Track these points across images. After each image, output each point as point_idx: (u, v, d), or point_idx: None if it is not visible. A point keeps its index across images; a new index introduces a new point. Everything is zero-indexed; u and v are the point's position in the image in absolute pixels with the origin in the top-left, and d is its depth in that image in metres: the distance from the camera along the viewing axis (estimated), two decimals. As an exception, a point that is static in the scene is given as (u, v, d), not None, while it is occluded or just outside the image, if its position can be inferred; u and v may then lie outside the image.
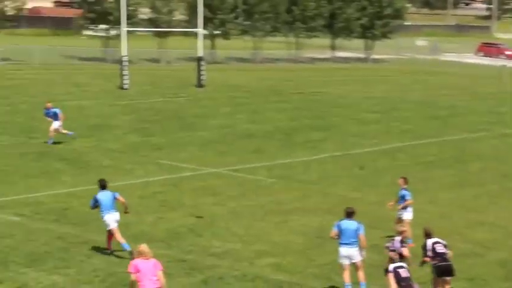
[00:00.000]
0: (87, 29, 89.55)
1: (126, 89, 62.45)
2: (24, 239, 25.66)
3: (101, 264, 23.82)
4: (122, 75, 63.09)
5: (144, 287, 18.14)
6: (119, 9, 68.22)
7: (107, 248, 24.74)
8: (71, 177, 34.05)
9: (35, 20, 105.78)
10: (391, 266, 19.21)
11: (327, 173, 36.92)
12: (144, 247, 18.55)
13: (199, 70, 67.76)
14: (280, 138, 45.35)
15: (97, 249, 25.04)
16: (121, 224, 27.23)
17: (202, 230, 27.51)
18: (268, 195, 32.34)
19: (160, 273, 18.42)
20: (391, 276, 18.90)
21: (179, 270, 23.52)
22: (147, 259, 18.42)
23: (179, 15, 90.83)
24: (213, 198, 31.72)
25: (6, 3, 76.39)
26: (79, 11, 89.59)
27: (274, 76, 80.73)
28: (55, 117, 40.20)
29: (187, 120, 50.15)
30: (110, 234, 24.63)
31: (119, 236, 24.30)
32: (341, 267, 21.65)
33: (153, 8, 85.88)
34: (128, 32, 66.39)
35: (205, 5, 72.77)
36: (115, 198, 24.62)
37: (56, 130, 40.24)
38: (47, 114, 40.64)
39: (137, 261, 18.39)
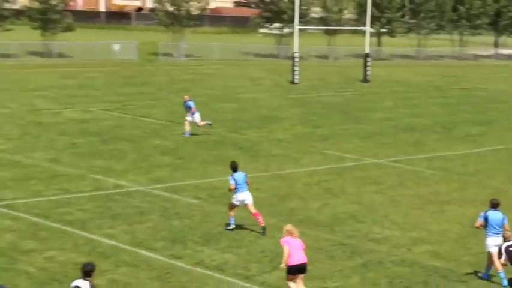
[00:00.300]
0: (263, 27, 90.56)
1: (296, 83, 62.97)
2: (201, 220, 26.33)
3: (269, 246, 24.16)
4: (293, 71, 63.70)
5: (293, 260, 19.22)
6: (292, 9, 69.57)
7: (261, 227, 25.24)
8: (243, 164, 34.37)
9: (216, 19, 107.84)
10: (504, 245, 19.72)
11: (485, 166, 36.19)
12: (291, 227, 19.64)
13: (365, 66, 67.60)
14: (440, 131, 44.76)
15: (267, 230, 25.39)
16: (287, 210, 27.75)
17: (363, 216, 27.54)
18: (427, 186, 32.02)
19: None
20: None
21: (341, 254, 23.71)
22: (295, 237, 19.46)
23: (348, 14, 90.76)
24: (373, 187, 31.67)
25: (191, 3, 78.21)
26: (256, 11, 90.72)
27: (436, 72, 79.60)
28: (188, 109, 39.69)
29: (352, 113, 50.13)
30: (255, 213, 25.20)
31: (231, 209, 25.24)
32: (490, 256, 21.42)
33: (324, 7, 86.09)
34: (300, 30, 67.26)
35: (373, 4, 72.69)
36: (246, 180, 25.11)
37: (193, 123, 39.73)
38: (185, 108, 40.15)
39: (287, 238, 19.41)
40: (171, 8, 77.65)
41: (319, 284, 21.43)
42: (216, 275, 21.76)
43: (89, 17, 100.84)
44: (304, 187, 31.12)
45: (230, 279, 21.56)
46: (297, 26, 65.51)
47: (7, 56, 67.70)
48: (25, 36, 72.08)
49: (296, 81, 63.22)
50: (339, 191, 30.91)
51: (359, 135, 42.66)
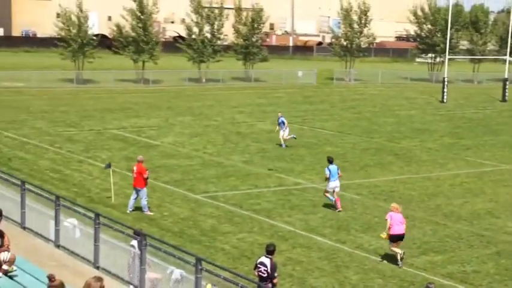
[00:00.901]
0: (419, 57, 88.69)
1: (444, 102, 61.07)
2: (361, 212, 25.94)
3: (418, 235, 23.49)
4: (442, 92, 61.96)
5: (393, 230, 20.32)
6: (444, 42, 68.86)
7: (336, 208, 25.58)
8: (398, 168, 33.87)
9: (381, 50, 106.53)
10: None
11: None
12: (396, 204, 20.92)
13: (504, 88, 64.81)
14: None
15: (416, 223, 24.67)
16: (434, 206, 26.82)
17: (499, 213, 26.30)
18: (555, 189, 30.10)
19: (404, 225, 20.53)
20: None
21: (478, 243, 22.76)
22: (398, 212, 20.49)
23: (491, 46, 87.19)
24: (509, 188, 30.14)
25: (361, 39, 77.77)
26: (414, 44, 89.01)
27: None
28: (282, 125, 37.45)
29: (492, 127, 48.00)
30: (337, 198, 25.76)
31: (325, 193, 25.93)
32: None
33: (471, 41, 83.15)
34: (450, 59, 66.22)
35: (512, 37, 69.33)
36: (338, 172, 25.78)
37: (283, 136, 37.47)
38: (278, 123, 37.89)
39: (391, 213, 20.47)
40: (345, 43, 77.39)
41: (459, 267, 20.65)
42: (372, 257, 21.32)
43: (280, 50, 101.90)
44: (449, 187, 30.06)
45: (384, 261, 21.05)
46: (447, 56, 65.19)
47: (217, 80, 69.37)
48: (230, 65, 73.65)
49: (445, 100, 61.37)
50: (478, 191, 29.68)
51: (497, 145, 40.77)
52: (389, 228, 20.33)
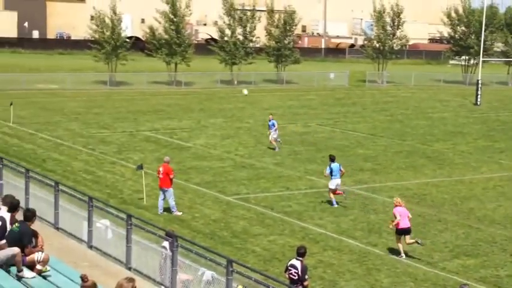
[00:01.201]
0: (452, 59, 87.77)
1: (478, 105, 60.43)
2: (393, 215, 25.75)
3: (450, 238, 23.38)
4: (476, 94, 61.31)
5: (400, 224, 21.24)
6: (478, 44, 68.05)
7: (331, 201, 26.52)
8: (431, 171, 33.63)
9: (413, 52, 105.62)
10: None
11: None
12: (399, 199, 22.17)
13: (539, 91, 64.06)
14: None
15: (449, 226, 24.51)
16: (467, 209, 26.56)
17: (533, 216, 25.97)
18: None
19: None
20: None
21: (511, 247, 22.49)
22: (402, 207, 21.58)
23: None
24: (543, 192, 29.83)
25: (394, 41, 77.26)
26: (447, 46, 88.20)
27: None
28: (271, 127, 36.62)
29: (527, 130, 47.49)
30: (333, 192, 26.60)
31: (332, 193, 26.65)
32: None
33: (505, 43, 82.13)
34: (484, 61, 65.87)
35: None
36: (340, 169, 26.72)
37: (274, 139, 36.73)
38: (269, 125, 36.95)
39: (398, 208, 21.53)
40: (377, 45, 76.97)
41: (492, 272, 20.48)
42: (404, 260, 21.23)
43: (312, 53, 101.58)
44: (482, 191, 29.79)
45: (416, 264, 20.93)
46: (481, 58, 64.86)
47: (249, 82, 69.41)
48: (262, 67, 73.72)
49: (478, 103, 60.72)
50: (512, 194, 29.32)
51: (531, 148, 40.26)
52: (397, 223, 21.30)
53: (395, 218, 21.37)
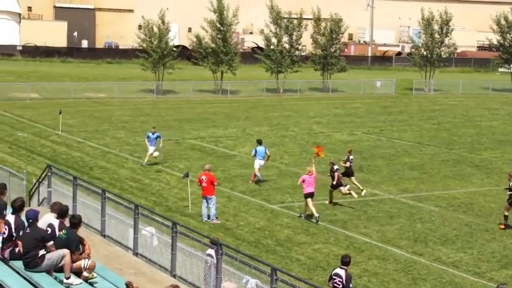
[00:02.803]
0: (502, 66, 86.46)
1: (530, 112, 59.43)
2: (440, 224, 25.56)
3: (498, 248, 23.06)
4: (525, 102, 60.32)
5: (306, 190, 25.28)
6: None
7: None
8: (479, 179, 33.18)
9: (461, 60, 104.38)
10: None
11: None
12: (311, 168, 25.80)
13: None
14: None
15: (496, 236, 24.17)
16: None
17: None
18: None
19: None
20: None
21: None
22: (310, 176, 25.33)
23: None
24: None
25: (442, 48, 76.51)
26: (496, 54, 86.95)
27: None
28: (154, 142, 33.24)
29: None
30: (255, 174, 30.42)
31: (257, 172, 30.57)
32: None
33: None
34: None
35: None
36: (266, 152, 30.49)
37: (151, 155, 33.23)
38: (149, 138, 33.38)
39: (304, 176, 25.50)
40: (425, 52, 76.28)
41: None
42: (450, 270, 20.98)
43: (358, 60, 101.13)
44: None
45: (463, 274, 20.66)
46: None
47: (295, 91, 69.41)
48: (308, 75, 73.68)
49: (528, 111, 59.71)
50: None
51: None
52: (304, 188, 25.24)
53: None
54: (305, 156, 37.51)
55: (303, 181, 25.41)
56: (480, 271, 20.95)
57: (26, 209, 14.16)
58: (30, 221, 13.42)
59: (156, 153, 33.42)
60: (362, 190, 28.78)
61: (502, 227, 25.14)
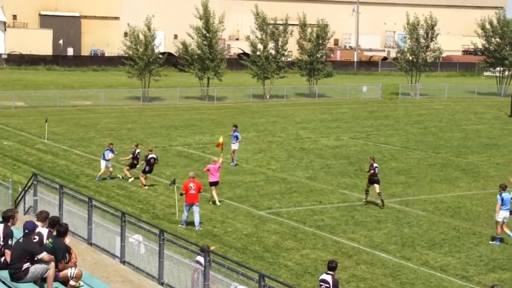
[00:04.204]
0: (487, 71, 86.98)
1: (514, 116, 59.74)
2: (427, 229, 25.62)
3: (486, 252, 23.13)
4: (511, 106, 60.46)
5: (211, 179, 27.52)
6: (513, 55, 66.77)
7: None
8: (465, 183, 33.31)
9: (447, 65, 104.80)
10: None
11: None
12: (216, 158, 28.84)
13: None
14: None
15: (483, 239, 24.24)
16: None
17: None
18: None
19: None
20: None
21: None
22: (214, 165, 27.67)
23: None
24: None
25: (427, 53, 76.86)
26: (481, 58, 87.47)
27: None
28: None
29: None
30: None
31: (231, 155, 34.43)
32: None
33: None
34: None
35: None
36: (237, 136, 35.27)
37: (107, 168, 32.47)
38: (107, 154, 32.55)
39: (209, 166, 27.94)
40: (410, 57, 76.55)
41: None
42: (438, 274, 21.01)
43: (344, 66, 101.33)
44: (518, 203, 29.25)
45: (451, 278, 20.71)
46: None
47: (281, 97, 69.47)
48: (295, 81, 73.78)
49: (514, 114, 59.99)
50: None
51: None
52: (209, 177, 27.48)
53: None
54: (292, 161, 37.55)
55: (208, 170, 27.85)
56: (468, 275, 21.00)
57: (23, 218, 14.02)
58: (26, 231, 13.34)
59: (109, 165, 32.47)
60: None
61: None
